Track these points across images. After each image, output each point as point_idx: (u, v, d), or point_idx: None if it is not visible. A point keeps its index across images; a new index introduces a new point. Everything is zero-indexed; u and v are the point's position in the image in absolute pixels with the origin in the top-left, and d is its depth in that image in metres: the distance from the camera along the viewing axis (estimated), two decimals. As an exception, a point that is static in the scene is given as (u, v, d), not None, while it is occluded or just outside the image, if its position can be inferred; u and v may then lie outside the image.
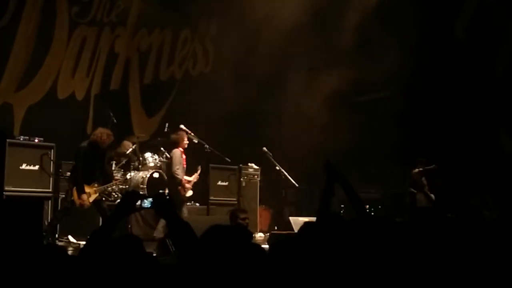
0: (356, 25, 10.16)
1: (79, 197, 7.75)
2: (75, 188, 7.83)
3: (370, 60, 10.30)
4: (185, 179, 8.67)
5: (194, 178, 8.87)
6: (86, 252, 2.92)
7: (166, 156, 9.27)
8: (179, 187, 8.55)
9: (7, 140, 7.64)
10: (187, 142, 8.79)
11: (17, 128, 9.46)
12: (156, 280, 2.31)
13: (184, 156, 8.76)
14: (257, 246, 2.59)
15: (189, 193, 8.79)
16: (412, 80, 10.34)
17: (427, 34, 10.20)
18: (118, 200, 8.38)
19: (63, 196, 8.45)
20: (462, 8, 10.29)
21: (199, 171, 8.92)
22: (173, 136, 8.89)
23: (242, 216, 6.17)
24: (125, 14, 11.13)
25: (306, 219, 5.86)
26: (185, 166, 8.78)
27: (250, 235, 3.35)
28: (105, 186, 8.08)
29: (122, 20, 11.12)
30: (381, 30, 10.40)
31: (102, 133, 7.90)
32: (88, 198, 7.81)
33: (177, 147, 8.73)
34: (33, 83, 9.86)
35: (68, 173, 8.41)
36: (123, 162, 9.46)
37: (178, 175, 8.54)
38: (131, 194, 2.95)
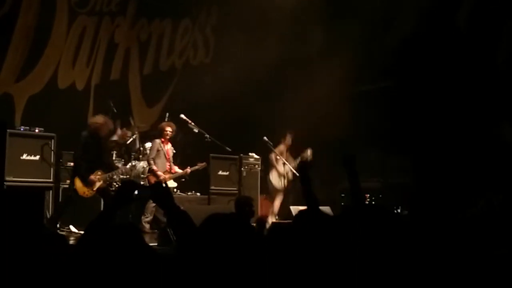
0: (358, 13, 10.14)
1: (86, 182, 7.79)
2: (77, 177, 7.86)
3: (372, 48, 10.30)
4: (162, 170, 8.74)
5: (182, 172, 8.93)
6: (84, 241, 2.94)
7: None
8: (149, 175, 8.69)
9: (8, 130, 7.67)
10: (169, 132, 8.84)
11: (17, 119, 9.46)
12: (153, 270, 2.32)
13: (166, 147, 8.86)
14: (256, 234, 2.59)
15: (171, 183, 8.86)
16: (415, 69, 10.31)
17: (429, 22, 10.15)
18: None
19: (67, 186, 8.46)
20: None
21: (189, 170, 8.95)
22: (158, 126, 9.08)
23: (248, 205, 6.24)
24: (124, 3, 11.09)
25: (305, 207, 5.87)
26: (168, 156, 8.84)
27: (250, 225, 3.36)
28: (108, 174, 8.11)
29: (122, 10, 11.08)
30: (382, 18, 10.38)
31: (98, 120, 7.96)
32: (92, 185, 7.85)
33: (158, 137, 8.81)
34: (33, 73, 9.84)
35: (70, 163, 8.43)
36: (123, 151, 9.47)
37: (150, 164, 8.72)
38: (129, 184, 2.95)
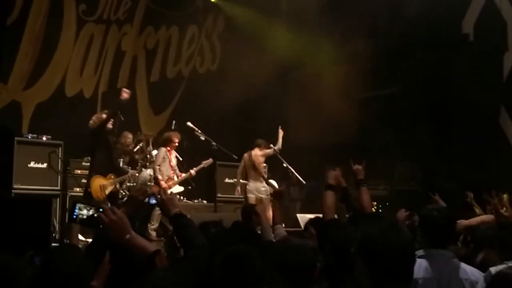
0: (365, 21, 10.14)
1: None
2: (92, 179, 7.82)
3: (379, 56, 10.30)
4: (163, 178, 8.73)
5: (187, 175, 8.96)
6: (91, 249, 2.95)
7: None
8: (152, 184, 8.75)
9: (16, 138, 7.72)
10: (175, 144, 8.87)
11: (25, 126, 9.50)
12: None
13: (170, 155, 8.86)
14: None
15: (177, 189, 8.88)
16: (421, 76, 10.29)
17: (435, 30, 10.15)
18: (126, 198, 8.46)
19: (74, 194, 8.47)
20: (470, 4, 10.23)
21: (193, 171, 8.97)
22: (165, 135, 9.09)
23: (255, 213, 6.22)
24: (132, 11, 11.16)
25: (313, 216, 5.86)
26: (172, 165, 8.87)
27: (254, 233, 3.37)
28: (121, 178, 8.13)
29: (129, 18, 11.15)
30: (388, 27, 10.38)
31: (98, 117, 7.98)
32: (104, 190, 7.85)
33: (164, 146, 8.82)
34: (41, 81, 9.90)
35: (78, 171, 8.45)
36: (129, 159, 9.49)
37: (155, 172, 8.78)
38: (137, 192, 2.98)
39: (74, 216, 2.48)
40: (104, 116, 8.02)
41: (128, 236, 2.43)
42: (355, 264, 2.11)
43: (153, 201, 2.92)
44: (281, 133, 9.51)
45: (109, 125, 8.06)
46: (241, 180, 9.58)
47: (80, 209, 2.51)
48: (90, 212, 2.51)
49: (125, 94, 8.07)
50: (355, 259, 2.10)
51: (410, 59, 10.25)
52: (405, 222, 4.20)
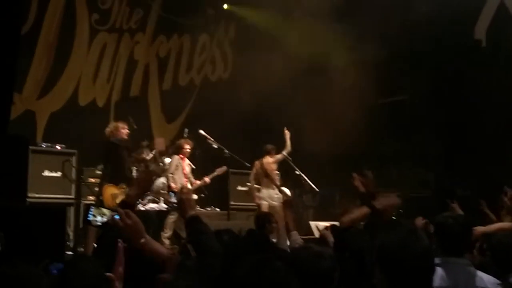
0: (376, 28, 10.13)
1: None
2: (104, 187, 7.85)
3: (390, 62, 10.27)
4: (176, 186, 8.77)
5: (201, 182, 9.01)
6: (98, 252, 2.97)
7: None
8: (165, 192, 8.81)
9: (30, 147, 7.76)
10: (187, 150, 8.88)
11: (39, 135, 9.57)
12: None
13: (183, 163, 8.88)
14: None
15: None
16: (433, 83, 10.26)
17: (447, 36, 10.12)
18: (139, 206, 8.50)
19: (88, 202, 8.51)
20: (482, 10, 10.18)
21: (207, 179, 8.99)
22: (176, 142, 9.15)
23: (269, 220, 6.23)
24: (144, 20, 11.23)
25: (327, 223, 5.84)
26: (185, 173, 8.87)
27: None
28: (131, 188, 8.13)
29: (141, 27, 11.22)
30: (399, 34, 10.35)
31: (115, 126, 8.07)
32: (115, 199, 7.88)
33: (177, 153, 8.85)
34: (55, 90, 9.98)
35: (91, 179, 8.49)
36: (142, 167, 9.51)
37: (169, 180, 8.82)
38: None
39: (89, 219, 2.49)
40: (123, 131, 8.06)
41: (143, 240, 2.44)
42: (373, 272, 2.10)
43: (174, 200, 2.95)
44: (287, 134, 9.49)
45: (124, 136, 8.09)
46: (254, 185, 9.55)
47: (94, 212, 2.51)
48: (104, 216, 2.52)
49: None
50: (373, 267, 2.09)
51: (422, 65, 10.23)
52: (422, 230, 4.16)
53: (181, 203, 2.79)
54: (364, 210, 3.97)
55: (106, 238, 2.83)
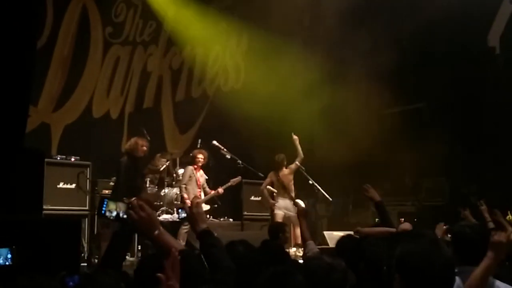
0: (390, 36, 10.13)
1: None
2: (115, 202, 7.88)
3: (406, 72, 10.24)
4: (189, 197, 8.78)
5: (214, 193, 9.03)
6: (105, 263, 2.98)
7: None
8: (178, 203, 8.89)
9: (45, 159, 7.82)
10: (201, 160, 8.92)
11: (54, 147, 9.66)
12: None
13: (197, 174, 8.95)
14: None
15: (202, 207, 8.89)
16: (448, 90, 10.21)
17: (461, 44, 10.09)
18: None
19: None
20: (496, 18, 10.15)
21: (221, 189, 9.00)
22: (190, 154, 9.22)
23: (282, 231, 6.23)
24: (157, 33, 11.32)
25: (341, 233, 5.81)
26: (199, 183, 8.93)
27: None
28: None
29: (154, 39, 11.32)
30: (413, 42, 10.34)
31: (136, 142, 8.06)
32: None
33: (191, 164, 8.93)
34: (69, 103, 10.08)
35: (106, 191, 8.53)
36: (157, 179, 9.56)
37: (181, 190, 8.88)
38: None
39: (103, 212, 2.50)
40: (141, 148, 8.07)
41: (156, 232, 2.45)
42: (389, 282, 2.09)
43: (184, 215, 2.94)
44: (296, 140, 9.48)
45: (141, 153, 8.09)
46: (268, 187, 9.52)
47: (108, 205, 2.51)
48: (119, 209, 2.52)
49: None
50: (389, 277, 2.08)
51: (436, 73, 10.19)
52: (444, 236, 4.14)
53: (192, 217, 2.79)
54: (387, 230, 4.00)
55: (121, 236, 2.86)
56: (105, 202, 2.49)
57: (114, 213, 2.50)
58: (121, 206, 2.50)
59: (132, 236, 3.11)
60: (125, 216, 2.44)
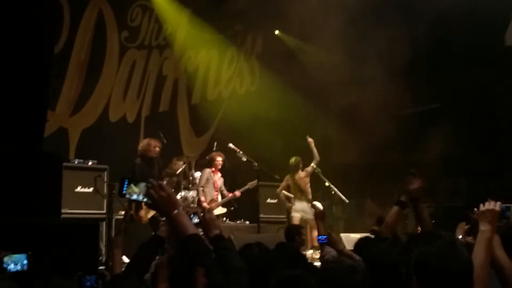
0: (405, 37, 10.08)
1: (137, 212, 7.91)
2: (134, 204, 7.96)
3: (422, 72, 10.18)
4: (206, 200, 8.79)
5: (231, 195, 9.04)
6: (130, 269, 3.01)
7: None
8: (195, 206, 8.86)
9: (63, 163, 7.90)
10: (219, 162, 8.95)
11: (72, 152, 9.75)
12: None
13: (215, 177, 8.97)
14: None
15: (219, 210, 8.91)
16: (464, 90, 10.14)
17: (477, 43, 10.01)
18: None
19: (121, 217, 8.60)
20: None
21: (238, 193, 9.02)
22: (207, 156, 9.23)
23: (298, 233, 6.22)
24: (172, 36, 11.38)
25: (358, 235, 5.79)
26: (216, 185, 8.96)
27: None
28: None
29: (170, 43, 11.37)
30: (429, 42, 10.28)
31: (148, 143, 8.13)
32: (146, 214, 7.96)
33: (209, 166, 8.91)
34: (86, 107, 10.16)
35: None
36: (175, 182, 9.60)
37: (199, 193, 8.90)
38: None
39: (124, 192, 2.52)
40: (154, 149, 8.07)
41: (175, 211, 2.47)
42: (407, 285, 2.08)
43: (196, 220, 2.96)
44: (311, 142, 9.45)
45: (153, 154, 8.17)
46: (284, 191, 9.52)
47: (129, 185, 2.53)
48: (139, 188, 2.53)
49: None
50: (406, 280, 2.07)
51: (453, 73, 10.13)
52: (465, 237, 4.09)
53: (205, 223, 2.83)
54: (395, 209, 3.95)
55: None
56: (126, 182, 2.51)
57: (135, 196, 2.52)
58: (142, 187, 2.52)
59: (159, 249, 3.15)
60: (145, 199, 2.47)
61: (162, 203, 2.46)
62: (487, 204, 2.71)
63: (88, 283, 3.37)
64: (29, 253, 3.27)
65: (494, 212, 2.73)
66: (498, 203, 2.74)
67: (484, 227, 2.69)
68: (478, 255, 2.56)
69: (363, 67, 10.51)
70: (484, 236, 2.66)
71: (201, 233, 2.66)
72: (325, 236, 4.42)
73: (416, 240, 2.27)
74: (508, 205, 2.91)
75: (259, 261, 3.10)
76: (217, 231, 2.80)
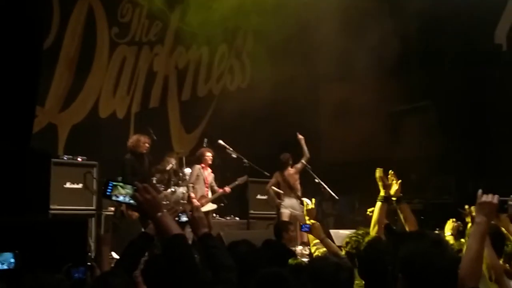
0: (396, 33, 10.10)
1: (127, 209, 7.90)
2: None
3: (412, 69, 10.21)
4: (196, 196, 8.76)
5: (221, 192, 9.04)
6: (120, 265, 3.02)
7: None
8: (185, 202, 8.83)
9: (52, 159, 7.87)
10: (209, 158, 8.93)
11: (61, 148, 9.70)
12: None
13: (205, 173, 8.93)
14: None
15: (209, 206, 8.91)
16: (454, 88, 10.18)
17: (467, 41, 10.06)
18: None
19: (112, 213, 8.58)
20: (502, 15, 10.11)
21: (227, 189, 9.02)
22: (197, 153, 9.20)
23: (287, 229, 6.23)
24: (163, 32, 11.34)
25: (347, 231, 5.82)
26: (207, 182, 8.94)
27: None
28: None
29: (160, 39, 11.33)
30: (420, 39, 10.30)
31: (138, 139, 8.14)
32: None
33: (198, 162, 8.90)
34: (76, 103, 10.12)
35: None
36: (165, 178, 9.58)
37: (189, 190, 8.86)
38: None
39: (108, 194, 2.53)
40: (143, 145, 8.05)
41: (159, 214, 2.51)
42: (393, 283, 2.09)
43: (184, 219, 2.97)
44: (301, 139, 9.47)
45: (143, 150, 8.18)
46: (273, 187, 9.53)
47: (115, 187, 2.54)
48: (125, 190, 2.54)
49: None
50: (393, 278, 2.08)
51: (443, 70, 10.17)
52: (455, 233, 4.12)
53: (194, 222, 2.84)
54: (377, 205, 4.00)
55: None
56: (110, 184, 2.52)
57: (121, 198, 2.53)
58: (130, 189, 2.53)
59: (149, 247, 3.16)
60: (131, 201, 2.47)
61: (147, 206, 2.48)
62: (484, 196, 2.64)
63: (76, 275, 3.36)
64: (16, 251, 3.25)
65: (491, 205, 2.65)
66: (496, 196, 2.67)
67: (479, 219, 2.59)
68: (472, 248, 2.46)
69: (353, 64, 10.53)
70: (479, 229, 2.55)
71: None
72: (308, 225, 4.46)
73: (403, 238, 2.28)
74: (506, 198, 2.87)
75: (246, 258, 3.11)
76: (205, 230, 2.81)
